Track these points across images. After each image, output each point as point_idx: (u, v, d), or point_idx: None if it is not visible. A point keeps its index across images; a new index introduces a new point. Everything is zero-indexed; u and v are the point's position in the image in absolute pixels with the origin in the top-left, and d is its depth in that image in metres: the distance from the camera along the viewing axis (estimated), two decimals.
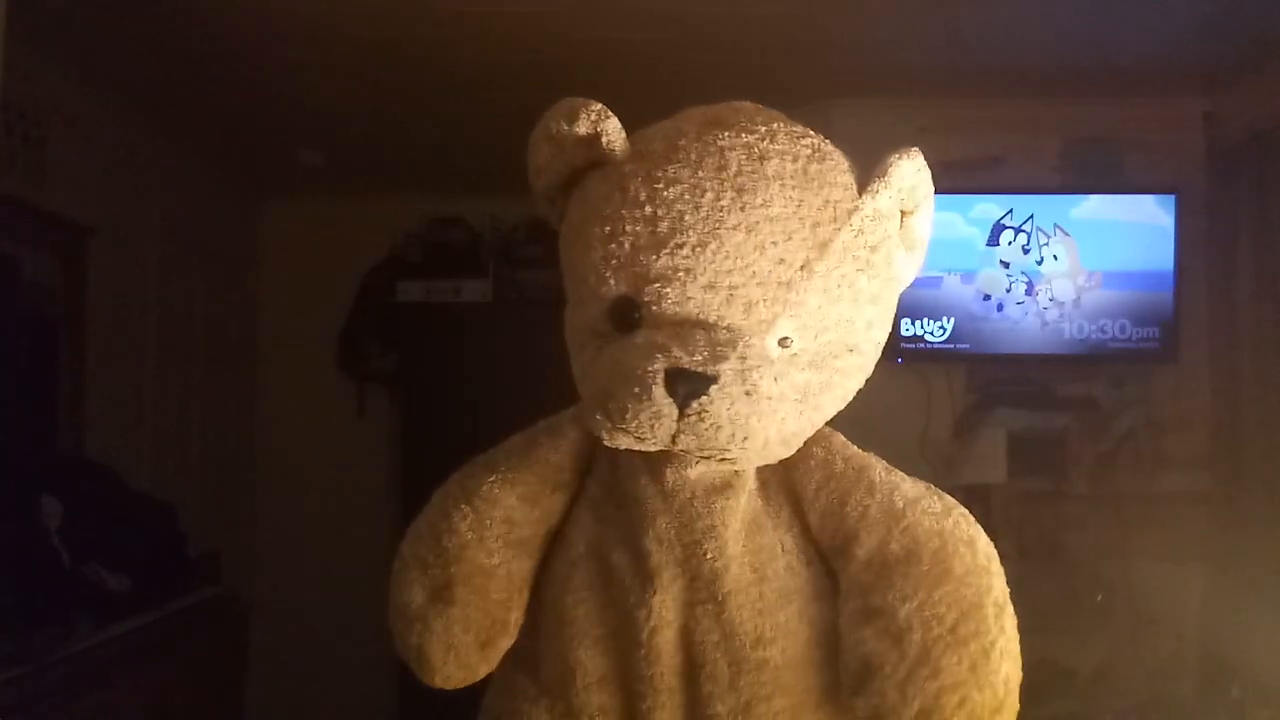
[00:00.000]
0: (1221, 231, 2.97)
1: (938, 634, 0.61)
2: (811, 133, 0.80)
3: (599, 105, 0.77)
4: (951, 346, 3.03)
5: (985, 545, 0.71)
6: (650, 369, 0.61)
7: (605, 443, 0.66)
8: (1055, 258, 3.03)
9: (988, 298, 3.04)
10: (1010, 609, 0.66)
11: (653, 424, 0.61)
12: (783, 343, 0.68)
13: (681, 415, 0.61)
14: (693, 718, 0.66)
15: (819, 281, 0.67)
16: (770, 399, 0.65)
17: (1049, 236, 3.02)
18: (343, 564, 4.46)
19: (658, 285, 0.64)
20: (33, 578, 2.12)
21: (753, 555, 0.70)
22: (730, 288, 0.64)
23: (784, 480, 0.75)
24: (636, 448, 0.65)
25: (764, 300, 0.65)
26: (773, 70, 2.97)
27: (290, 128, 3.60)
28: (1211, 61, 2.81)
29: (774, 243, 0.66)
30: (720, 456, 0.66)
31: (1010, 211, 3.04)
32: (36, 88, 2.74)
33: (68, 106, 2.93)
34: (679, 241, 0.63)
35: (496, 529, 0.78)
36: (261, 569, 4.37)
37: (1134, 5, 2.48)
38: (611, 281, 0.66)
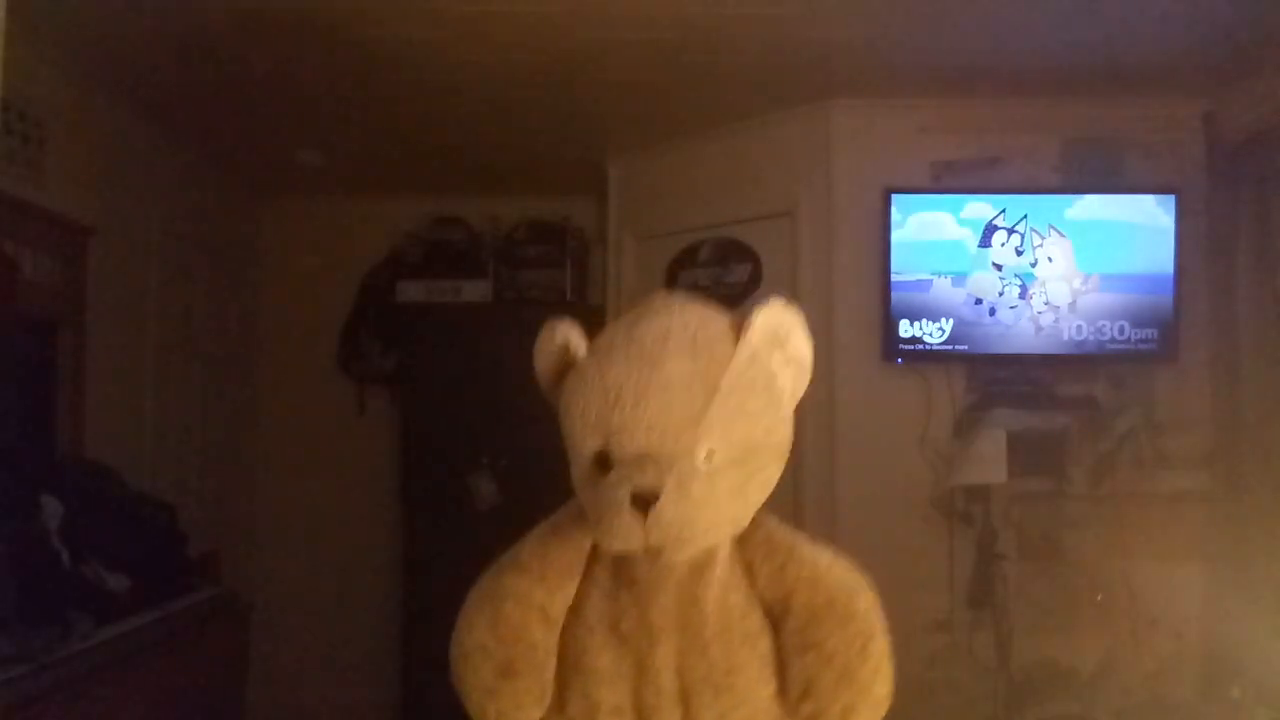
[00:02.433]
0: (1221, 231, 2.97)
1: (850, 656, 0.95)
2: (700, 306, 1.08)
3: (566, 323, 1.05)
4: (950, 348, 3.03)
5: (870, 594, 1.07)
6: (619, 495, 0.90)
7: (609, 552, 0.98)
8: (1050, 259, 3.00)
9: (979, 301, 3.02)
10: (883, 636, 1.03)
11: (628, 536, 0.91)
12: (708, 456, 0.95)
13: (646, 523, 0.90)
14: None
15: (718, 411, 0.95)
16: (704, 497, 0.94)
17: (1043, 238, 3.01)
18: (343, 564, 4.47)
19: (616, 435, 0.94)
20: (33, 578, 2.12)
21: (724, 611, 1.01)
22: (661, 428, 0.93)
23: (739, 554, 1.05)
24: (628, 554, 0.95)
25: (684, 432, 0.93)
26: (773, 70, 2.97)
27: (290, 128, 3.60)
28: (1211, 61, 2.81)
29: (682, 392, 0.95)
30: (682, 544, 0.94)
31: (1003, 212, 3.02)
32: (36, 88, 2.74)
33: (68, 106, 2.93)
34: (622, 405, 0.94)
35: (535, 614, 1.04)
36: (261, 569, 4.38)
37: (1134, 5, 2.48)
38: (589, 439, 0.97)
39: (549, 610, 1.04)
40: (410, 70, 2.97)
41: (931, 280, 3.03)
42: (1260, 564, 2.75)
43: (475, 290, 4.17)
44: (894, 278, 3.04)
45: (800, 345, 1.04)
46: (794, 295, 3.31)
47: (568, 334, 1.03)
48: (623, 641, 1.00)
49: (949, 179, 3.14)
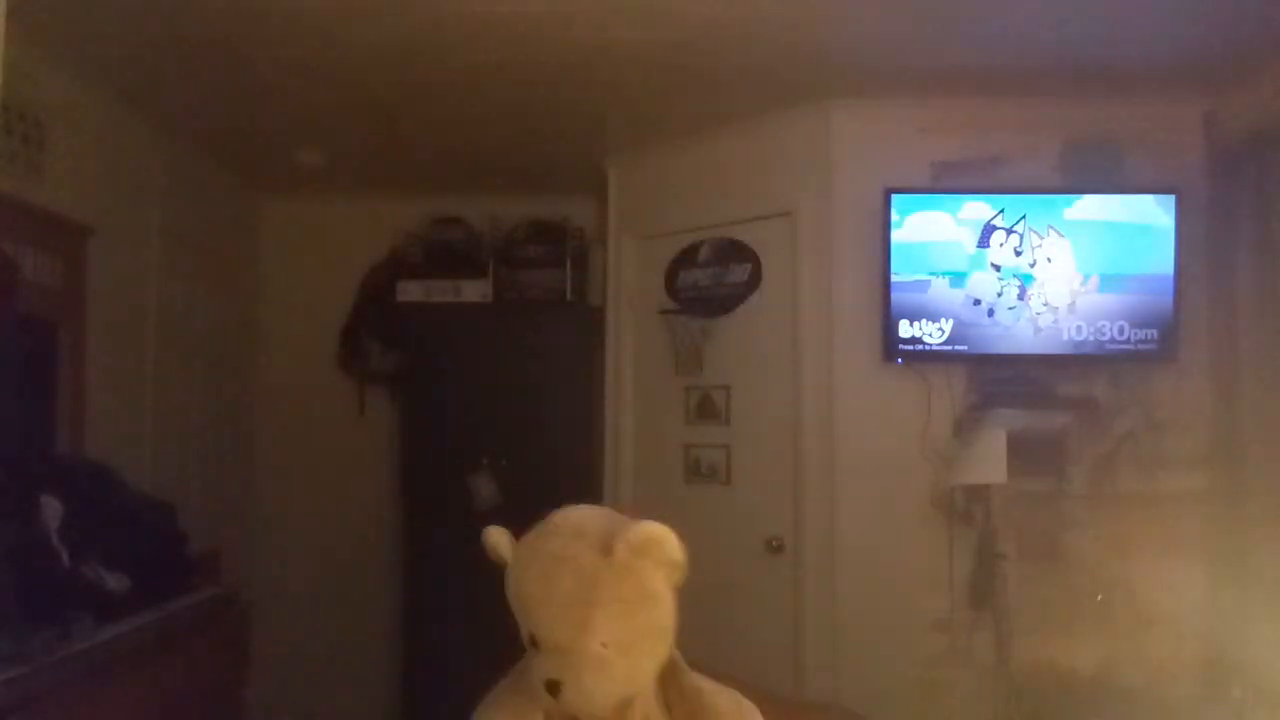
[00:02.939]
0: (1221, 231, 2.97)
1: None
2: (589, 524, 1.32)
3: (495, 532, 1.35)
4: (950, 348, 3.02)
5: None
6: (536, 682, 1.25)
7: None
8: (1049, 260, 2.99)
9: (978, 302, 3.01)
10: None
11: (550, 707, 1.26)
12: (603, 644, 1.24)
13: (558, 701, 1.23)
14: None
15: (603, 612, 1.23)
16: (596, 679, 1.24)
17: (1042, 238, 3.00)
18: (343, 564, 4.47)
19: (535, 628, 1.27)
20: (32, 578, 2.12)
21: None
22: (560, 631, 1.24)
23: (662, 694, 1.35)
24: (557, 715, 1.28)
25: (578, 635, 1.23)
26: (773, 70, 2.97)
27: (290, 128, 3.60)
28: (1211, 61, 2.81)
29: (573, 599, 1.24)
30: (588, 709, 1.26)
31: (1001, 212, 3.01)
32: (36, 88, 2.74)
33: (68, 106, 2.93)
34: (534, 611, 1.27)
35: None
36: (261, 569, 4.38)
37: (1134, 5, 2.48)
38: (523, 627, 1.29)
39: None
40: (410, 70, 2.97)
41: (929, 281, 3.02)
42: (1260, 564, 2.75)
43: (475, 290, 4.17)
44: (892, 278, 3.04)
45: (669, 551, 1.28)
46: (794, 295, 3.32)
47: (496, 542, 1.33)
48: None
49: (949, 179, 3.14)
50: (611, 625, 1.24)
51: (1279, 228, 2.75)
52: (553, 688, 1.23)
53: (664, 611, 1.30)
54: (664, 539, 1.28)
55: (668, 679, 1.37)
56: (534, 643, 1.28)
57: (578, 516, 1.36)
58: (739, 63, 2.91)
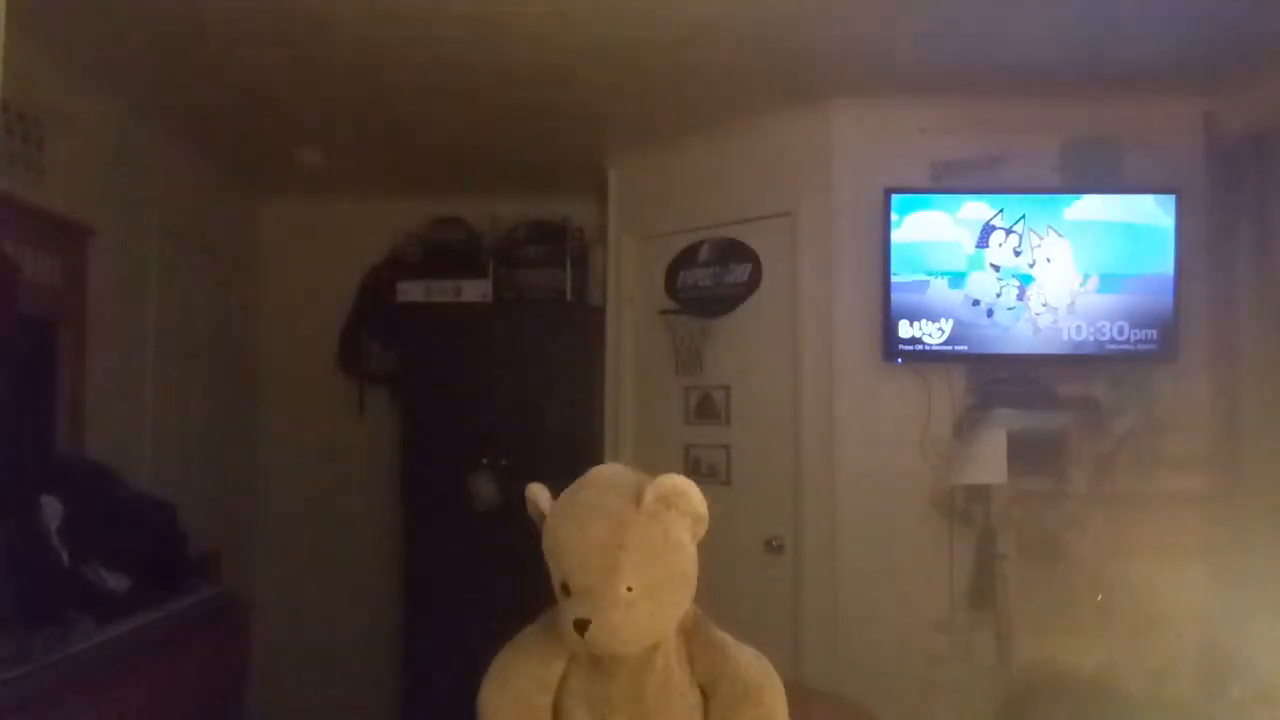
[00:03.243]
0: (1221, 231, 2.97)
1: None
2: (621, 478, 1.42)
3: (536, 488, 1.41)
4: (950, 348, 3.02)
5: (777, 689, 1.43)
6: (567, 621, 1.32)
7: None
8: (1048, 260, 2.99)
9: (977, 303, 3.01)
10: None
11: (576, 645, 1.33)
12: (629, 589, 1.32)
13: (584, 639, 1.31)
14: None
15: (630, 557, 1.32)
16: (622, 621, 1.32)
17: (1041, 238, 3.00)
18: (343, 564, 4.47)
19: (567, 576, 1.34)
20: (32, 578, 2.12)
21: (667, 688, 1.39)
22: (591, 575, 1.32)
23: (685, 647, 1.43)
24: (583, 652, 1.36)
25: (606, 577, 1.32)
26: (773, 70, 2.98)
27: (290, 127, 3.60)
28: (1211, 61, 2.81)
29: (604, 544, 1.33)
30: (612, 650, 1.35)
31: (1000, 212, 3.00)
32: (36, 88, 2.74)
33: (68, 106, 2.93)
34: (567, 557, 1.35)
35: (535, 684, 1.43)
36: (261, 569, 4.38)
37: (1134, 5, 2.48)
38: (555, 575, 1.37)
39: (544, 680, 1.42)
40: (410, 70, 2.97)
41: (928, 281, 3.02)
42: (1260, 564, 2.74)
43: (475, 290, 4.17)
44: (892, 278, 3.03)
45: (692, 503, 1.37)
46: (794, 295, 3.32)
47: (538, 495, 1.41)
48: (592, 708, 1.40)
49: (949, 179, 3.13)
50: (638, 570, 1.32)
51: (1279, 228, 2.75)
52: (581, 625, 1.30)
53: (686, 560, 1.39)
54: (689, 491, 1.37)
55: (691, 633, 1.45)
56: (565, 590, 1.36)
57: (610, 472, 1.47)
58: (739, 63, 2.91)
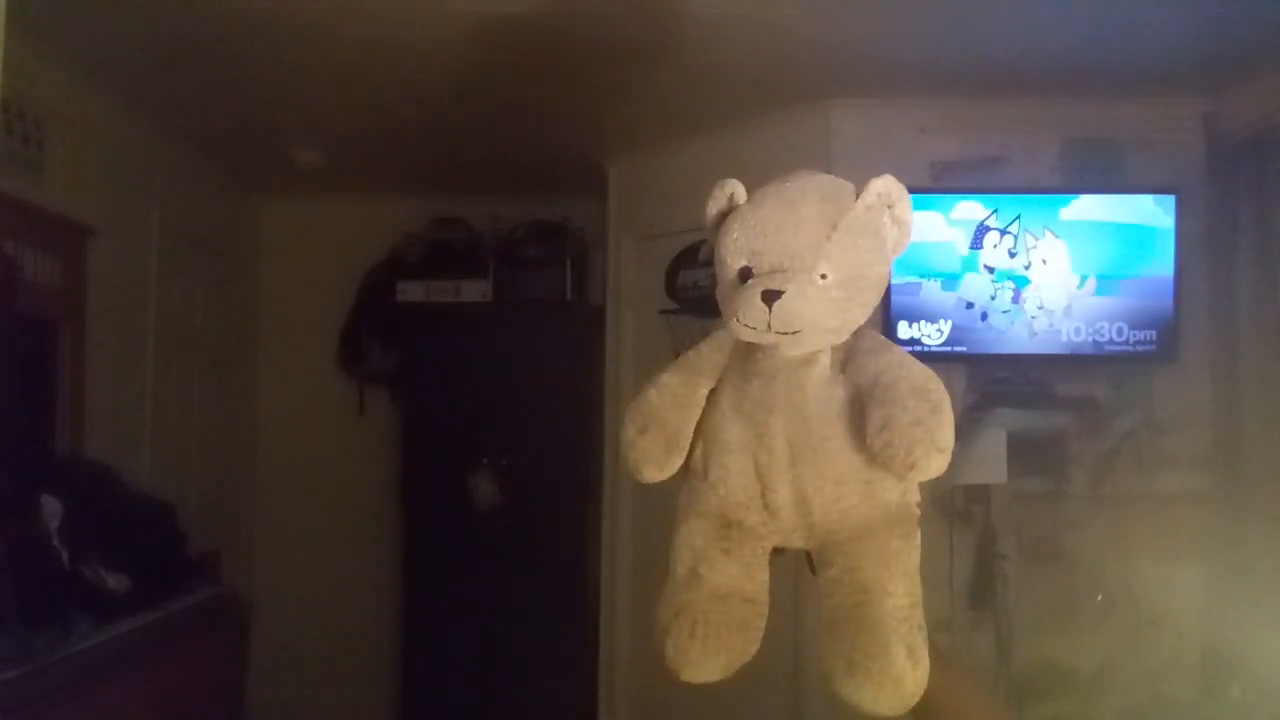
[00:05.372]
0: (1221, 231, 2.97)
1: (922, 411, 1.23)
2: (829, 176, 1.33)
3: (734, 180, 1.34)
4: (949, 349, 3.02)
5: (943, 388, 1.29)
6: (754, 291, 1.20)
7: (736, 336, 1.26)
8: (1044, 262, 2.97)
9: (970, 306, 2.99)
10: (949, 409, 1.26)
11: (757, 317, 1.20)
12: (823, 277, 1.23)
13: (770, 312, 1.19)
14: (793, 481, 1.31)
15: (835, 245, 1.24)
16: (815, 300, 1.22)
17: (1037, 239, 2.99)
18: (343, 564, 4.47)
19: (757, 256, 1.25)
20: (33, 578, 2.12)
21: (824, 396, 1.30)
22: (791, 251, 1.23)
23: (842, 358, 1.33)
24: (752, 338, 1.23)
25: (807, 255, 1.23)
26: (773, 70, 2.97)
27: (290, 128, 3.60)
28: (1211, 61, 2.81)
29: (810, 227, 1.25)
30: (794, 333, 1.22)
31: (995, 212, 2.98)
32: (36, 88, 2.74)
33: (68, 106, 2.93)
34: (765, 233, 1.25)
35: (670, 398, 1.37)
36: (261, 569, 4.38)
37: (1134, 5, 2.48)
38: (737, 259, 1.27)
39: (682, 397, 1.36)
40: (410, 70, 2.97)
41: (920, 284, 3.01)
42: (1260, 564, 2.75)
43: (475, 290, 4.17)
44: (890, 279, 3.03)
45: (905, 210, 1.33)
46: None
47: (735, 187, 1.33)
48: (746, 418, 1.32)
49: (949, 179, 3.13)
50: (842, 256, 1.25)
51: (1279, 228, 2.75)
52: (770, 296, 1.19)
53: (884, 268, 1.35)
54: (907, 198, 1.33)
55: (857, 348, 1.36)
56: (744, 275, 1.28)
57: (814, 174, 1.38)
58: (739, 63, 2.91)
